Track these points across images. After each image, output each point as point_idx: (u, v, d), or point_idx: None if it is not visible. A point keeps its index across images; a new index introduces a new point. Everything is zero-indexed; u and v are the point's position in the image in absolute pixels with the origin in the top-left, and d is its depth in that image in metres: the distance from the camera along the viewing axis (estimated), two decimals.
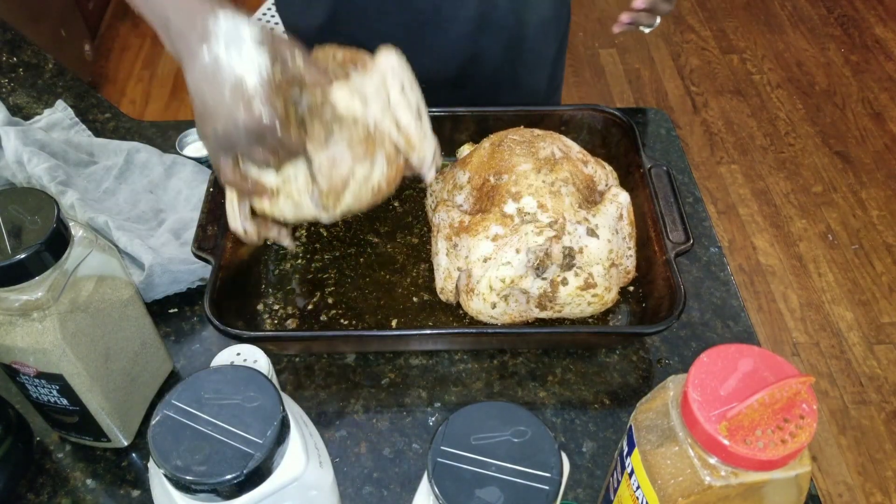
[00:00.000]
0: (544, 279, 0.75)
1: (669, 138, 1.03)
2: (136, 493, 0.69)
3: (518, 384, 0.77)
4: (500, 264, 0.74)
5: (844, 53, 2.67)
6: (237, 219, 0.71)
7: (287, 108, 0.62)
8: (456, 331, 0.79)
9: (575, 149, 0.85)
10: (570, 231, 0.75)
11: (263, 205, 0.69)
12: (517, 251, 0.74)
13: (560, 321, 0.80)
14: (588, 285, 0.76)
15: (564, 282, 0.75)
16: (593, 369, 0.78)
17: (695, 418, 0.45)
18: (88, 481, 0.70)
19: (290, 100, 0.64)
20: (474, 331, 0.78)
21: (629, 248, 0.81)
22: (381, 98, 0.66)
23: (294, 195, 0.68)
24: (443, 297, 0.80)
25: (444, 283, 0.79)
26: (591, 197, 0.82)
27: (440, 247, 0.79)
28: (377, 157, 0.68)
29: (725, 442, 0.44)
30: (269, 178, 0.67)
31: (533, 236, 0.74)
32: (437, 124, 0.93)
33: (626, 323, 0.82)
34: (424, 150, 0.70)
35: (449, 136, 0.94)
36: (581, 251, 0.75)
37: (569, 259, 0.74)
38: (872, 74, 2.59)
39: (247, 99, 0.58)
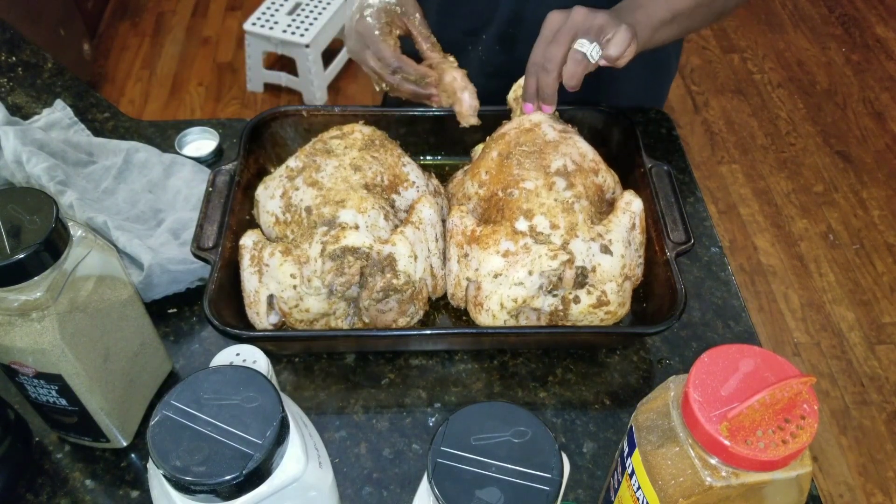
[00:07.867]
0: (555, 296, 0.75)
1: (670, 138, 1.03)
2: (135, 493, 0.69)
3: (518, 384, 0.77)
4: (511, 283, 0.73)
5: (845, 53, 2.67)
6: None
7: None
8: (456, 331, 0.79)
9: (588, 157, 0.82)
10: (584, 250, 0.73)
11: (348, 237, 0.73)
12: (529, 273, 0.72)
13: None
14: (601, 303, 0.74)
15: (577, 300, 0.74)
16: (594, 370, 0.78)
17: (696, 419, 0.45)
18: (87, 482, 0.70)
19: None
20: (474, 331, 0.78)
21: (640, 257, 0.80)
22: (424, 251, 0.76)
23: (332, 320, 0.77)
24: (453, 303, 0.80)
25: (455, 290, 0.78)
26: (601, 207, 0.81)
27: (452, 253, 0.78)
28: (416, 305, 0.78)
29: (726, 442, 0.44)
30: (315, 304, 0.74)
31: (547, 260, 0.72)
32: (440, 124, 0.93)
33: (626, 323, 0.82)
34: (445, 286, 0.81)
35: (451, 135, 0.94)
36: (594, 270, 0.73)
37: (581, 278, 0.73)
38: (873, 74, 2.59)
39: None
